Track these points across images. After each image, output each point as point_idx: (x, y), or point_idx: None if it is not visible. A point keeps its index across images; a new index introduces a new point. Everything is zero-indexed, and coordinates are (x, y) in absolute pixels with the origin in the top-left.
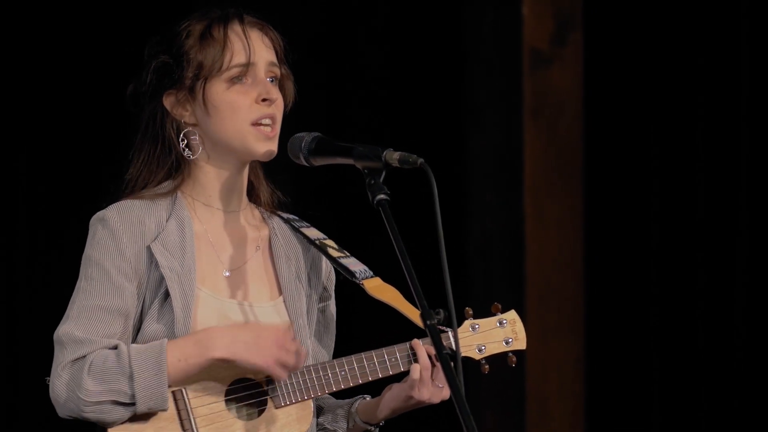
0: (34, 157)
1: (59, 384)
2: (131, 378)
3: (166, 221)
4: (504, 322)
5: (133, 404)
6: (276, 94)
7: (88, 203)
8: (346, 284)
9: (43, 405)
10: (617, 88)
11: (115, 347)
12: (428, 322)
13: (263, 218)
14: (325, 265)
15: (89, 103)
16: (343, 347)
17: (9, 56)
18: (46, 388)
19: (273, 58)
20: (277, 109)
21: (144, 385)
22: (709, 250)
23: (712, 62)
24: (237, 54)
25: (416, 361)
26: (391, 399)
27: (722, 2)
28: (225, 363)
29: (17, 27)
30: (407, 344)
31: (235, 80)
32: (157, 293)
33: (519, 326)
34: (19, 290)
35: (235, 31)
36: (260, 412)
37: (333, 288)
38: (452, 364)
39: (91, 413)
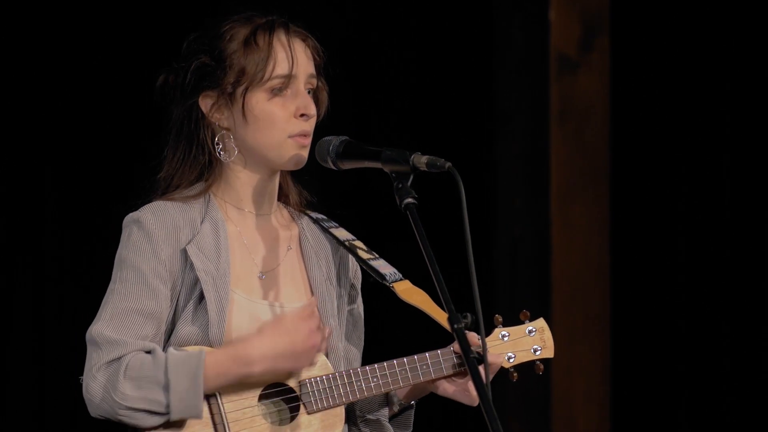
0: (61, 159)
1: (94, 385)
2: (167, 388)
3: (201, 223)
4: (533, 330)
5: (167, 413)
6: (313, 109)
7: (117, 204)
8: (375, 287)
9: (71, 404)
10: (644, 92)
11: (151, 351)
12: (456, 326)
13: (292, 218)
14: (352, 262)
15: (118, 103)
16: (371, 350)
17: (37, 52)
18: (73, 388)
19: (313, 70)
20: (313, 123)
21: (179, 397)
22: (737, 253)
23: (739, 66)
24: (280, 64)
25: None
26: (437, 389)
27: (751, 6)
28: (264, 374)
29: (45, 25)
30: (450, 348)
31: (275, 91)
32: (192, 295)
33: (547, 334)
34: (46, 290)
35: (281, 40)
36: (292, 418)
37: (360, 285)
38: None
39: (125, 417)
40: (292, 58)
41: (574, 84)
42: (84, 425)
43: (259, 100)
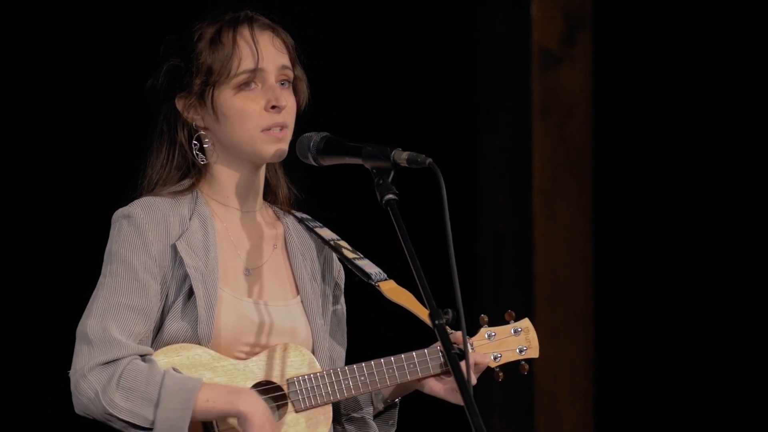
0: (46, 157)
1: (85, 385)
2: (156, 405)
3: (189, 219)
4: (518, 330)
5: (150, 429)
6: (285, 100)
7: (101, 203)
8: (360, 287)
9: (57, 399)
10: (626, 87)
11: (147, 358)
12: (437, 322)
13: (277, 216)
14: (336, 262)
15: (103, 102)
16: (357, 348)
17: (25, 52)
18: (58, 387)
19: (285, 61)
20: (288, 115)
21: (166, 416)
22: (720, 248)
23: (723, 61)
24: (245, 60)
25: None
26: (428, 388)
27: (732, 1)
28: (239, 420)
29: (33, 23)
30: (437, 347)
31: (243, 86)
32: (181, 291)
33: (532, 334)
34: (29, 289)
35: (244, 36)
36: (280, 416)
37: (343, 284)
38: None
39: (108, 422)
40: (257, 52)
41: (556, 78)
42: (69, 420)
43: (227, 97)
